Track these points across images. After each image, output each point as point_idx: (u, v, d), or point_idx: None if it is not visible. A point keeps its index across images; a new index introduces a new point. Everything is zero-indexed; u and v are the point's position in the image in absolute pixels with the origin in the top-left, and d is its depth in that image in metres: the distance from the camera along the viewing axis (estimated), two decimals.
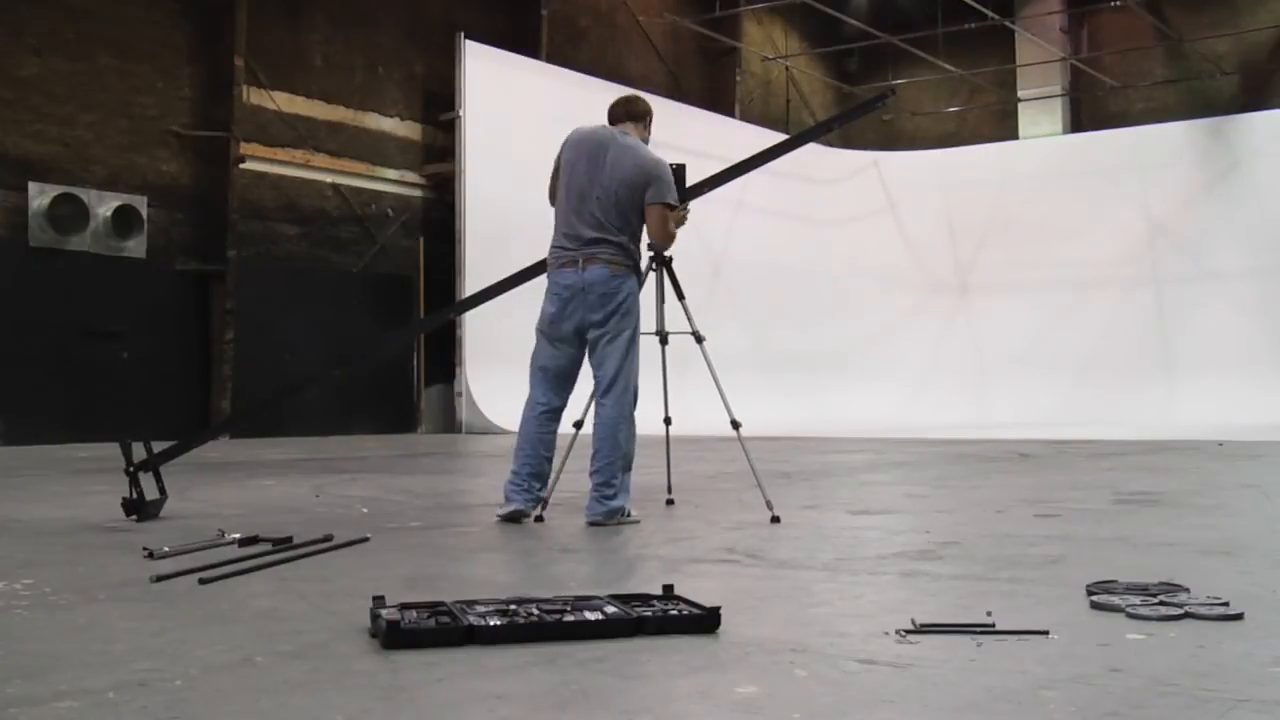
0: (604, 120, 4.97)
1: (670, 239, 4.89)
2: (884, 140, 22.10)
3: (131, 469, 4.80)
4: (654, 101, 5.17)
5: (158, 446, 4.97)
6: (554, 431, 4.87)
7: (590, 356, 4.82)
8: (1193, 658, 2.31)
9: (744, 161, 5.21)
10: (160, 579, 3.26)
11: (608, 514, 4.64)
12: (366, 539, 4.09)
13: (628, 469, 4.75)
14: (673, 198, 4.79)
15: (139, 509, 4.77)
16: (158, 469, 4.95)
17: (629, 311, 4.75)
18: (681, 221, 4.92)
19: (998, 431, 13.10)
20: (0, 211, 11.64)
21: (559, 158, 4.93)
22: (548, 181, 5.00)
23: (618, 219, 4.74)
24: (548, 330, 4.83)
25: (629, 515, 4.71)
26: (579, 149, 4.83)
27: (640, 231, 4.84)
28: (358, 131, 14.83)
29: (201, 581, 3.24)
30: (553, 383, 4.84)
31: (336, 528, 4.41)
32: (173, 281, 12.95)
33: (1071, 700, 2.01)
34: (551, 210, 4.97)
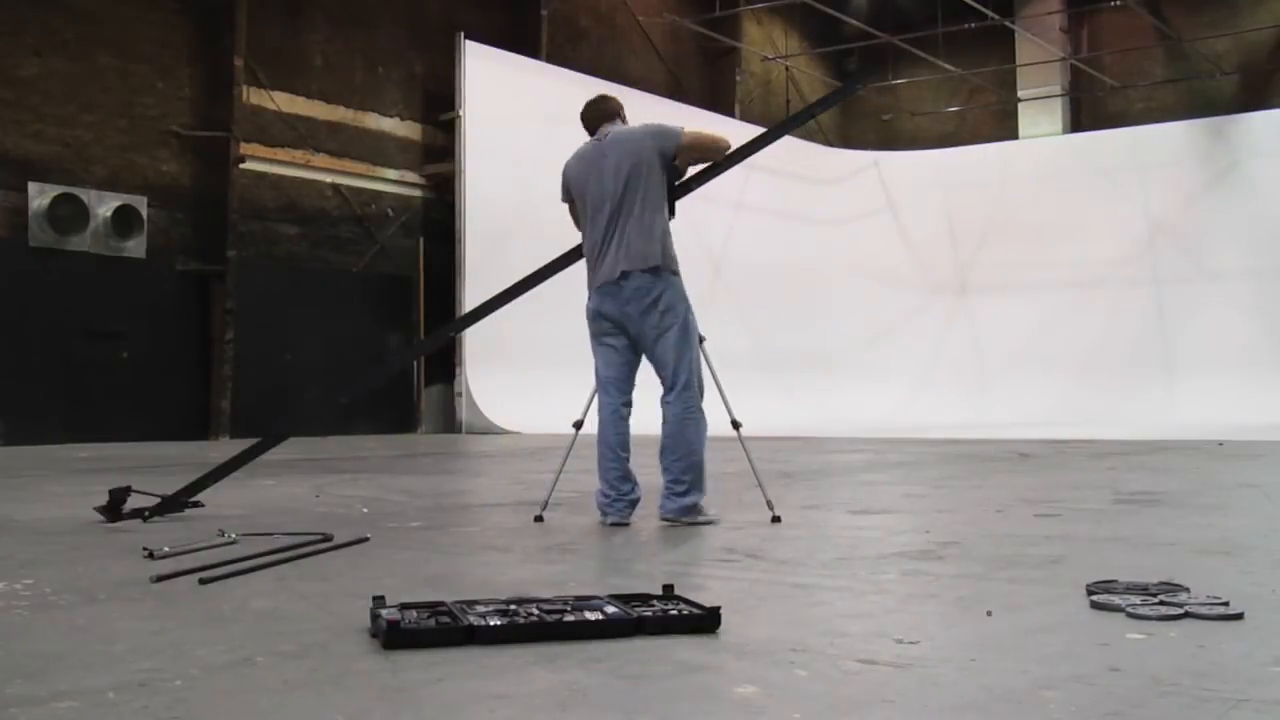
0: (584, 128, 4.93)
1: (716, 139, 4.87)
2: (884, 140, 22.10)
3: (149, 513, 4.80)
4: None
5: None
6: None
7: (647, 356, 4.75)
8: (1193, 658, 2.31)
9: (725, 158, 5.18)
10: (160, 579, 3.26)
11: (680, 511, 4.58)
12: (366, 539, 4.09)
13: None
14: (677, 125, 4.82)
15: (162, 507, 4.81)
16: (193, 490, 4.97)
17: (672, 306, 4.64)
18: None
19: (997, 431, 13.10)
20: (0, 211, 11.64)
21: (568, 196, 4.90)
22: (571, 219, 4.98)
23: (647, 213, 4.65)
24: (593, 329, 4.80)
25: (705, 514, 4.62)
26: (582, 176, 4.78)
27: (667, 212, 4.74)
28: (358, 131, 14.84)
29: (201, 581, 3.24)
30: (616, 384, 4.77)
31: (337, 527, 4.42)
32: (173, 281, 12.96)
33: (1071, 700, 2.01)
34: (556, 213, 4.87)
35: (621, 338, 4.73)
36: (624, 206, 4.65)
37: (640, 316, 4.63)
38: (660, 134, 4.73)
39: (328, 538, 4.08)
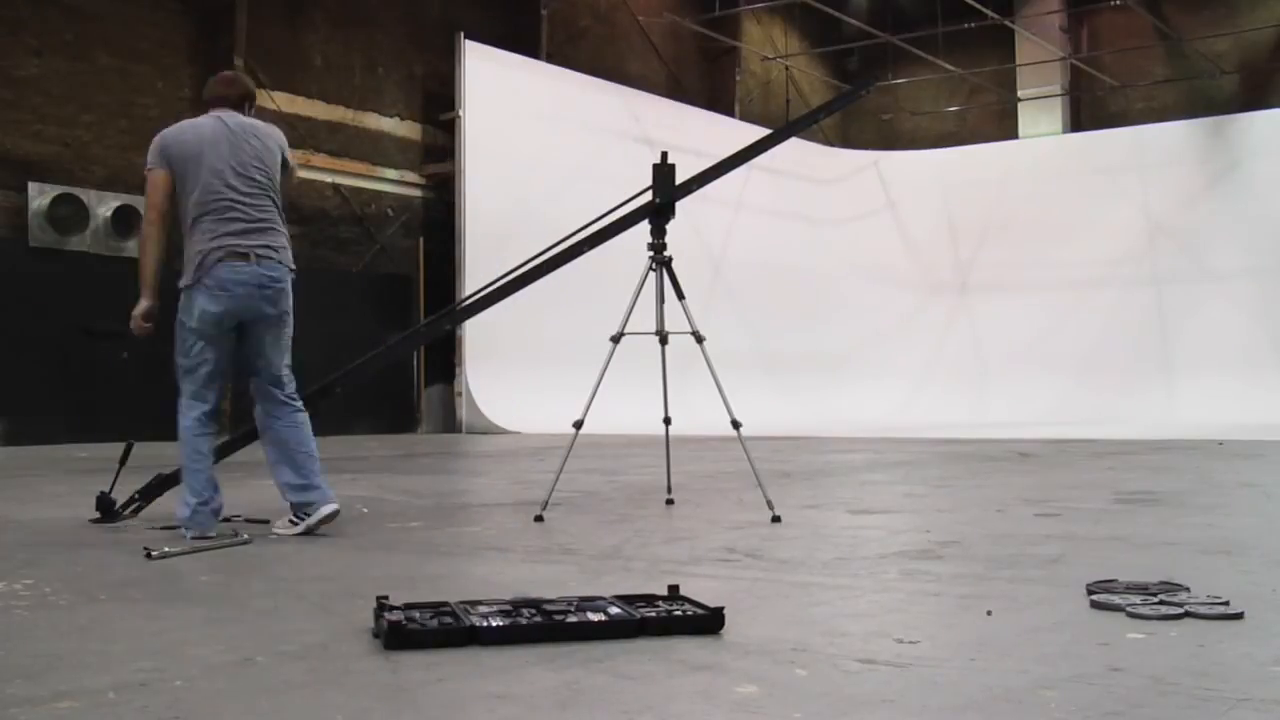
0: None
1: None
2: (884, 140, 22.10)
3: (137, 500, 4.81)
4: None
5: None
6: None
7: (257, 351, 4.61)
8: (1193, 657, 2.31)
9: (729, 158, 5.18)
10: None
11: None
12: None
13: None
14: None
15: (108, 510, 4.80)
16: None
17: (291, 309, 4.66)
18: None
19: (997, 431, 13.09)
20: (0, 211, 11.64)
21: (164, 165, 4.57)
22: (155, 200, 4.68)
23: (274, 202, 4.65)
24: (212, 330, 4.61)
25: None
26: (200, 144, 4.48)
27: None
28: (358, 131, 14.83)
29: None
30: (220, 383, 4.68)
31: (334, 527, 4.42)
32: (172, 282, 12.92)
33: (1071, 700, 2.01)
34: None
35: (233, 332, 4.65)
36: (275, 200, 4.65)
37: (275, 312, 4.59)
38: (286, 149, 4.71)
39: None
